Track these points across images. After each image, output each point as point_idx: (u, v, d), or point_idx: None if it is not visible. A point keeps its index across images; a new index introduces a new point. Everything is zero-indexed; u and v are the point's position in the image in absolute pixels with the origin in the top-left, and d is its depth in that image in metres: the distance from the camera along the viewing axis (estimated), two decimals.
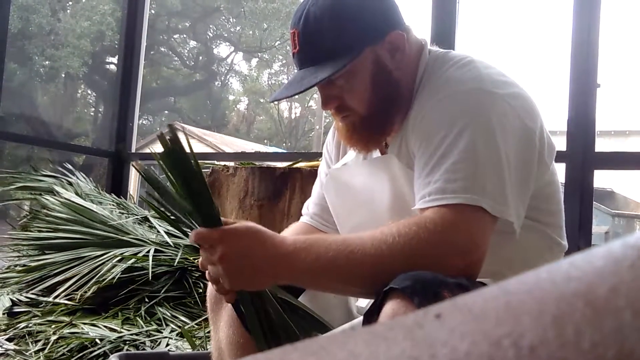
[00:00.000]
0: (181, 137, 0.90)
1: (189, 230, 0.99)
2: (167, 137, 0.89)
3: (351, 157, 1.24)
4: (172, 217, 1.01)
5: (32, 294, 2.41)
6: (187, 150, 0.91)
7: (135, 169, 1.02)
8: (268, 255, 0.95)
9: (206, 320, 2.10)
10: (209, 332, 1.87)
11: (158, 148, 0.92)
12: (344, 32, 1.05)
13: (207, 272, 1.01)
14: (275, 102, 20.07)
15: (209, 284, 1.19)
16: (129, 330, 2.07)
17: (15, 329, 2.14)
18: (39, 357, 1.93)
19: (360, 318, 1.08)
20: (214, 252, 0.95)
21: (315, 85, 1.06)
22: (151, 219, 2.80)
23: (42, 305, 2.34)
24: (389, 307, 0.84)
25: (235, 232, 0.95)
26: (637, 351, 0.16)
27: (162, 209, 1.00)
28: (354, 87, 1.08)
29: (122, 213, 2.90)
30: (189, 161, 0.91)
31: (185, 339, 2.02)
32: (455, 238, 0.92)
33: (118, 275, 2.30)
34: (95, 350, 1.93)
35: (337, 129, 1.22)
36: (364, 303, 1.19)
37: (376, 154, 1.19)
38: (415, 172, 1.03)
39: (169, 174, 0.93)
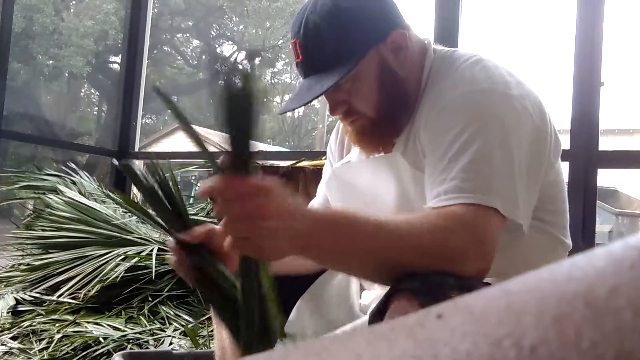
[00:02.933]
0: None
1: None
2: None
3: (354, 154, 1.24)
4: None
5: (36, 292, 2.42)
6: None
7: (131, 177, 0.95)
8: (309, 215, 0.86)
9: (209, 318, 2.10)
10: (212, 330, 1.88)
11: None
12: (346, 37, 1.04)
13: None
14: (278, 103, 20.08)
15: None
16: (132, 329, 2.08)
17: (19, 328, 2.15)
18: (43, 356, 1.94)
19: (363, 318, 1.08)
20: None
21: (323, 94, 1.05)
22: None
23: (45, 304, 2.35)
24: (395, 307, 0.84)
25: None
26: (636, 351, 0.16)
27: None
28: (361, 90, 1.07)
29: (125, 212, 2.91)
30: None
31: (188, 338, 2.03)
32: (473, 237, 0.91)
33: (121, 274, 2.31)
34: (99, 349, 1.93)
35: (345, 132, 1.21)
36: (367, 301, 1.19)
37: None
38: (427, 166, 1.02)
39: None
